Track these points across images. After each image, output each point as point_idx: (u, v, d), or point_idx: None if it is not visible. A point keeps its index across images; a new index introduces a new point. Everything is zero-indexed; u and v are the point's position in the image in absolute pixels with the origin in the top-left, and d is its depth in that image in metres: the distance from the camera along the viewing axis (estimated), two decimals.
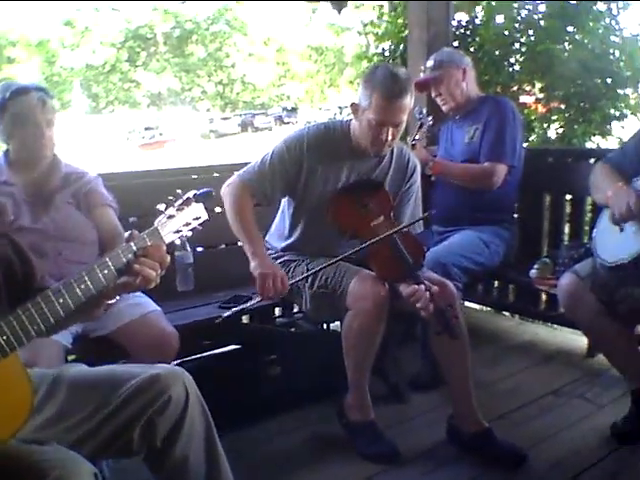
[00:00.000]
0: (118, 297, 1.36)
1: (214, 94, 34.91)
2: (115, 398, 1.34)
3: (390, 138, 2.19)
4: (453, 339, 1.96)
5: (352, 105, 2.25)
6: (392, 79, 2.11)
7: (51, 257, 1.94)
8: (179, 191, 1.39)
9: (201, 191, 1.40)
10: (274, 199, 2.37)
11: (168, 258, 1.33)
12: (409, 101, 2.15)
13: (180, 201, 1.36)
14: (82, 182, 2.08)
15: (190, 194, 1.38)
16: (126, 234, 1.30)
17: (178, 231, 1.36)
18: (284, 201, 2.43)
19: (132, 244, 1.28)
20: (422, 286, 1.97)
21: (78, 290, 1.20)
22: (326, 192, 2.29)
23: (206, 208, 1.41)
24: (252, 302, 2.22)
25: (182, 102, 34.13)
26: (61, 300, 1.18)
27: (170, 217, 1.35)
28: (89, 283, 1.21)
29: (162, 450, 1.37)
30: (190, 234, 1.39)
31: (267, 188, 2.28)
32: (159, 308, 2.09)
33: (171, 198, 1.37)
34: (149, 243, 1.29)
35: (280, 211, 2.49)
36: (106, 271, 1.24)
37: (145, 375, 1.37)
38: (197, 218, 1.39)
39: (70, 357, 2.02)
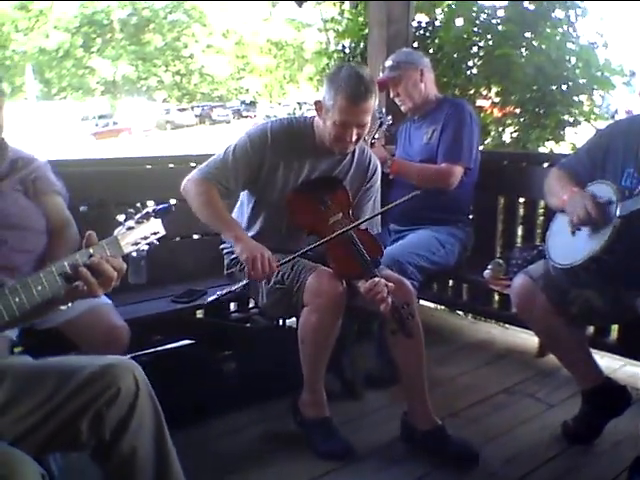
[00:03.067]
0: (70, 304, 1.34)
1: (171, 84, 34.34)
2: (63, 390, 1.31)
3: (355, 138, 2.19)
4: (408, 338, 1.97)
5: (316, 103, 2.23)
6: (357, 80, 2.10)
7: None
8: (139, 204, 1.43)
9: (160, 206, 1.45)
10: (236, 193, 2.35)
11: (124, 267, 1.33)
12: (373, 102, 2.16)
13: (140, 215, 1.40)
14: (30, 168, 1.99)
15: (150, 209, 1.42)
16: (86, 234, 1.31)
17: (136, 244, 1.39)
18: (243, 194, 2.40)
19: (91, 250, 1.28)
20: (381, 280, 1.97)
21: (35, 291, 1.20)
22: (287, 188, 2.28)
23: (164, 224, 1.45)
24: (239, 285, 2.14)
25: (138, 91, 33.46)
26: (17, 299, 1.18)
27: (129, 229, 1.37)
28: (46, 285, 1.21)
29: (110, 442, 1.34)
30: (147, 248, 1.42)
31: (230, 181, 2.24)
32: (109, 301, 2.03)
33: (131, 211, 1.40)
34: (108, 252, 1.30)
35: (238, 204, 2.46)
36: (63, 274, 1.23)
37: (94, 366, 1.34)
38: (155, 233, 1.43)
39: (16, 349, 1.94)
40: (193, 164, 2.77)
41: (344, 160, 2.35)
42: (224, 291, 2.15)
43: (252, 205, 2.35)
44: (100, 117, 29.96)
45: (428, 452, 2.12)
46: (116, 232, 1.36)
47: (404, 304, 1.96)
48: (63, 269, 1.23)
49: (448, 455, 2.10)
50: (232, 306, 3.03)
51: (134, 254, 1.40)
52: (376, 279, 1.98)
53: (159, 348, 2.43)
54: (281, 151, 2.25)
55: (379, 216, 2.44)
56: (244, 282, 2.12)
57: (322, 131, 2.24)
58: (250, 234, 2.33)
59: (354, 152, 2.36)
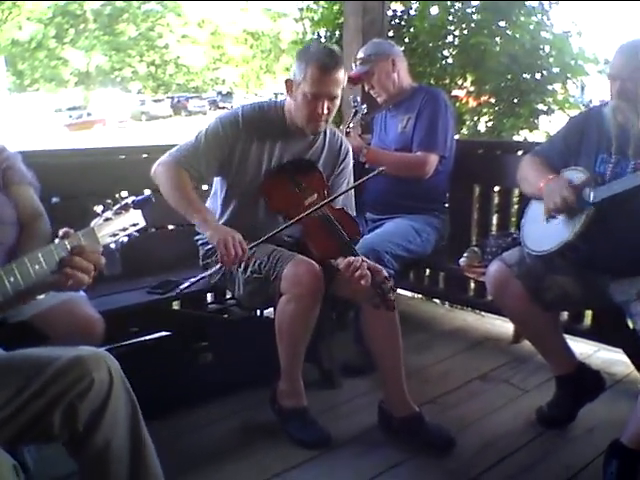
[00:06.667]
0: (44, 295, 1.32)
1: (146, 75, 33.90)
2: (34, 382, 1.29)
3: (326, 112, 2.18)
4: (391, 311, 1.96)
5: (286, 82, 2.23)
6: (327, 52, 2.14)
7: None
8: (117, 195, 1.39)
9: (140, 197, 1.40)
10: (208, 177, 2.34)
11: (103, 260, 1.30)
12: (343, 76, 2.17)
13: (118, 205, 1.35)
14: (0, 158, 1.95)
15: (129, 200, 1.37)
16: (60, 231, 1.27)
17: (114, 235, 1.35)
18: (216, 183, 2.39)
19: (66, 242, 1.25)
20: (358, 257, 1.97)
21: (7, 282, 1.17)
22: (259, 172, 2.27)
23: (144, 215, 1.41)
24: (212, 270, 2.14)
25: (112, 82, 32.99)
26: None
27: (107, 220, 1.33)
28: (19, 277, 1.19)
29: (83, 435, 1.32)
30: (126, 239, 1.38)
31: (202, 166, 2.23)
32: (83, 293, 2.00)
33: (109, 201, 1.36)
34: (84, 243, 1.27)
35: (212, 193, 2.44)
36: (37, 266, 1.21)
37: (66, 358, 1.32)
38: (135, 224, 1.38)
39: None
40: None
41: (316, 143, 2.35)
42: (196, 278, 2.14)
43: (224, 191, 2.34)
44: (73, 109, 29.49)
45: (405, 439, 2.14)
46: (93, 223, 1.32)
47: (384, 279, 1.94)
48: (38, 260, 1.21)
49: (425, 441, 2.11)
50: (209, 297, 3.01)
51: (112, 245, 1.36)
52: (352, 257, 1.97)
53: (134, 340, 2.41)
54: (253, 134, 2.25)
55: (353, 201, 2.44)
56: (217, 267, 2.12)
57: (294, 111, 2.23)
58: (223, 221, 2.32)
59: (325, 135, 2.37)
